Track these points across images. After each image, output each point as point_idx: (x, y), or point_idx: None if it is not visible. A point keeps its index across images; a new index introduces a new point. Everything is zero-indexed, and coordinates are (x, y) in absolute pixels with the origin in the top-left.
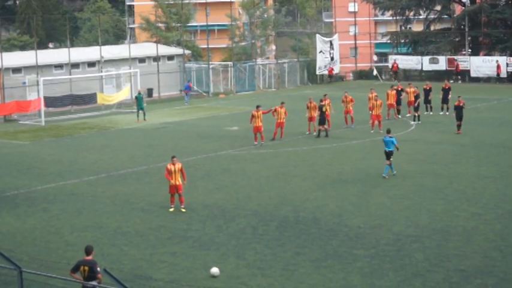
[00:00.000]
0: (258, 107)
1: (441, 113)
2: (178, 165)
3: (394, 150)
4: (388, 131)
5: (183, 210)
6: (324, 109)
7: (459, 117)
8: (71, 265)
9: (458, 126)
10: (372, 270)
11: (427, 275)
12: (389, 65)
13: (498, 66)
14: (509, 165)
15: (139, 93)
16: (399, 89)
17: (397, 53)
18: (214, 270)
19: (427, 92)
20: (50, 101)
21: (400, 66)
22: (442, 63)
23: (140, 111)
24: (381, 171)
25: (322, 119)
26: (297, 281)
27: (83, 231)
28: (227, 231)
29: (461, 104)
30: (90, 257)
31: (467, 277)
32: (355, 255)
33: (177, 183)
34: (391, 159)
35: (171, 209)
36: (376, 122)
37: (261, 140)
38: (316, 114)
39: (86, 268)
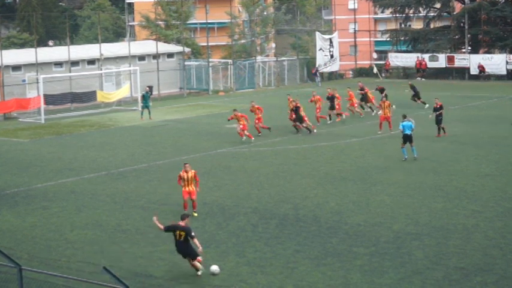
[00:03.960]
0: (234, 110)
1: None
2: (191, 173)
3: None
4: (404, 116)
5: (195, 214)
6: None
7: (439, 120)
8: (70, 263)
9: (441, 129)
10: (372, 268)
11: (427, 273)
12: (414, 63)
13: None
14: (509, 162)
15: (146, 92)
16: (379, 89)
17: (397, 51)
18: (214, 268)
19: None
20: (49, 99)
21: (400, 64)
22: (441, 61)
23: (146, 109)
24: (381, 169)
25: (299, 117)
26: (296, 279)
27: (83, 229)
28: (227, 229)
29: (438, 106)
30: (183, 223)
31: (467, 275)
32: (355, 253)
33: (191, 189)
34: (413, 142)
35: None
36: (385, 122)
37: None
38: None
39: (183, 233)
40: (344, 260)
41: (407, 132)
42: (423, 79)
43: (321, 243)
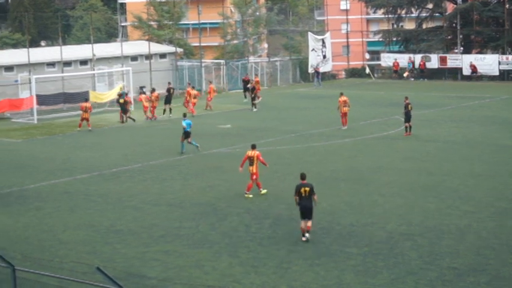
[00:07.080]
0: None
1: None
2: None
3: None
4: (184, 115)
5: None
6: (123, 102)
7: (407, 118)
8: (63, 263)
9: (409, 127)
10: (365, 268)
11: (420, 273)
12: (417, 64)
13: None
14: (502, 163)
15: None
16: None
17: (389, 51)
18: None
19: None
20: (42, 99)
21: (391, 64)
22: (434, 61)
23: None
24: (373, 169)
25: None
26: (290, 279)
27: (76, 230)
28: (220, 229)
29: (405, 104)
30: (305, 181)
31: (460, 275)
32: (348, 253)
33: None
34: (190, 138)
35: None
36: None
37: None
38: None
39: (307, 189)
40: (337, 260)
41: (188, 129)
42: (426, 79)
43: (314, 244)
